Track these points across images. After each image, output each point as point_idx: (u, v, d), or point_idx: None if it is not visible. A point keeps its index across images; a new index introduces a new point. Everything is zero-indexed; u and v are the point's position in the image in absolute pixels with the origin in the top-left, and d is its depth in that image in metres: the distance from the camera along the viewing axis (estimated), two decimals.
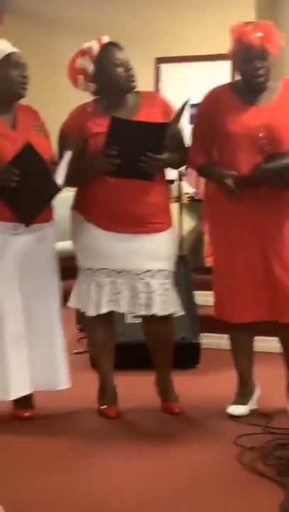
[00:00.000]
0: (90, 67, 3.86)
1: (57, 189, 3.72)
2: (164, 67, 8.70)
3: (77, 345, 5.36)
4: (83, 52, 3.88)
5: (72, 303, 4.06)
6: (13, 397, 3.89)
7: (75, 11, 9.81)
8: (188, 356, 4.80)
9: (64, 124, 3.94)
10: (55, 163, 3.79)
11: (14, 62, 3.81)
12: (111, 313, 3.98)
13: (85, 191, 3.92)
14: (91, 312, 3.94)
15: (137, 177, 3.77)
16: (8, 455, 3.56)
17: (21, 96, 3.85)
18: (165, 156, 3.77)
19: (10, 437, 3.77)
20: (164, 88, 8.54)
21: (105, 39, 3.89)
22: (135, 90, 3.94)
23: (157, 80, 8.59)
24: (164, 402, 4.11)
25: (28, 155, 3.66)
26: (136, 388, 4.35)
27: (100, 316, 3.94)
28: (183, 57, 8.63)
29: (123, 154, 3.69)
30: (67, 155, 3.75)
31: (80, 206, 3.95)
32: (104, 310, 3.91)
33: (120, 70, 3.84)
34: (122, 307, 3.93)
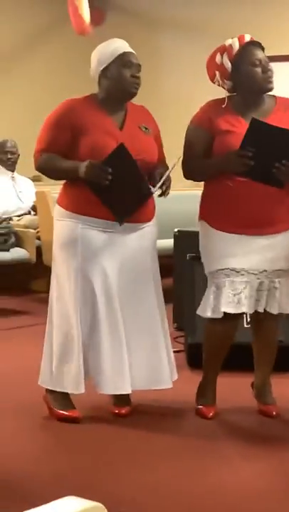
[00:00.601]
0: (228, 65, 3.85)
1: (149, 193, 3.75)
2: (275, 65, 8.63)
3: (173, 343, 5.34)
4: (224, 49, 3.87)
5: (200, 311, 3.99)
6: (106, 392, 3.90)
7: (179, 10, 9.82)
8: (286, 359, 4.73)
9: (195, 116, 3.93)
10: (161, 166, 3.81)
11: (128, 62, 3.85)
12: (235, 316, 3.91)
13: (208, 199, 3.92)
14: (209, 314, 3.89)
15: (267, 182, 3.75)
16: (104, 454, 3.59)
17: (132, 95, 3.89)
18: None
19: (110, 432, 3.81)
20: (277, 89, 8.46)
21: (247, 37, 3.86)
22: (271, 94, 3.92)
23: None
24: (261, 405, 4.08)
25: (121, 155, 3.69)
26: (234, 389, 4.32)
27: (223, 317, 3.88)
28: (286, 56, 8.56)
29: (258, 157, 3.67)
30: (172, 163, 3.78)
31: (204, 214, 3.95)
32: (225, 310, 3.84)
33: (258, 69, 3.82)
34: (243, 307, 3.86)
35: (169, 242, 5.86)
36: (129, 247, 3.88)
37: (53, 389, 3.97)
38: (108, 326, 3.84)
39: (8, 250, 6.49)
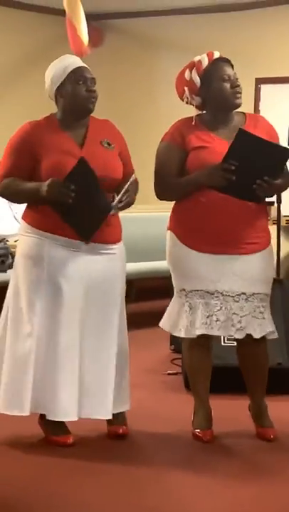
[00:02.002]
0: (197, 80, 3.89)
1: (108, 209, 3.74)
2: (265, 88, 8.69)
3: (170, 366, 5.36)
4: (192, 65, 3.92)
5: (163, 324, 4.06)
6: (59, 419, 3.85)
7: (175, 30, 9.88)
8: (285, 382, 4.74)
9: (167, 133, 3.96)
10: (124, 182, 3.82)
11: (81, 77, 3.85)
12: (209, 336, 3.97)
13: (180, 211, 3.94)
14: (183, 334, 3.93)
15: (245, 198, 3.75)
16: (100, 477, 3.59)
17: (90, 111, 3.89)
18: (279, 181, 3.77)
19: (103, 458, 3.80)
20: (264, 109, 8.54)
21: (216, 54, 3.92)
22: (240, 111, 3.96)
23: (257, 100, 8.59)
24: (258, 428, 4.08)
25: (83, 170, 3.68)
26: (231, 412, 4.32)
27: (196, 338, 3.93)
28: (285, 78, 8.60)
29: (239, 171, 3.66)
30: (131, 178, 3.77)
31: (174, 226, 3.97)
32: (197, 332, 3.90)
33: (227, 84, 3.86)
34: (215, 330, 3.90)
35: (165, 264, 5.85)
36: (96, 268, 3.87)
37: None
38: (67, 350, 3.80)
39: (5, 271, 6.50)
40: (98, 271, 3.87)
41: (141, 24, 10.17)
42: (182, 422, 4.14)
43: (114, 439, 4.00)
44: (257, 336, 3.90)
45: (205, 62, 3.89)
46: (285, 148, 3.77)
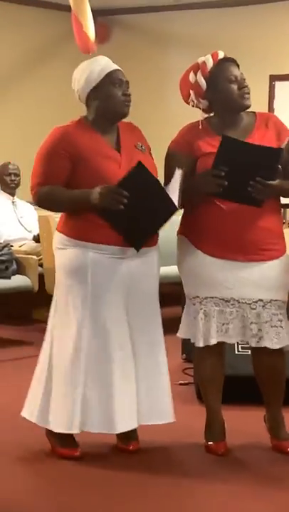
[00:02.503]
0: (202, 82, 3.83)
1: (173, 211, 3.70)
2: (279, 84, 8.63)
3: (182, 375, 5.31)
4: (197, 67, 3.86)
5: (181, 333, 4.02)
6: (119, 431, 3.86)
7: (186, 26, 9.86)
8: None
9: (173, 141, 3.92)
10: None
11: (117, 80, 3.82)
12: (221, 345, 3.93)
13: (193, 215, 3.89)
14: (199, 343, 3.89)
15: (244, 201, 3.73)
16: (110, 490, 3.57)
17: (125, 115, 3.86)
18: (276, 182, 3.71)
19: (112, 471, 3.77)
20: (278, 107, 8.48)
21: (221, 54, 3.86)
22: (250, 111, 3.91)
23: (272, 98, 8.54)
24: (274, 441, 4.03)
25: (141, 175, 3.64)
26: (245, 424, 4.27)
27: (208, 347, 3.89)
28: None
29: (232, 176, 3.65)
30: (179, 173, 3.72)
31: (187, 231, 3.92)
32: (213, 341, 3.85)
33: (234, 86, 3.80)
34: (232, 338, 3.86)
35: (176, 269, 5.81)
36: (134, 273, 3.85)
37: (42, 425, 3.92)
38: (120, 360, 3.80)
39: (9, 278, 6.46)
40: (139, 275, 3.86)
41: (148, 19, 10.16)
42: (194, 434, 4.10)
43: (126, 453, 3.96)
44: (274, 347, 3.84)
45: (210, 64, 3.84)
46: (273, 148, 3.73)
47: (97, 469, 3.76)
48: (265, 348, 3.85)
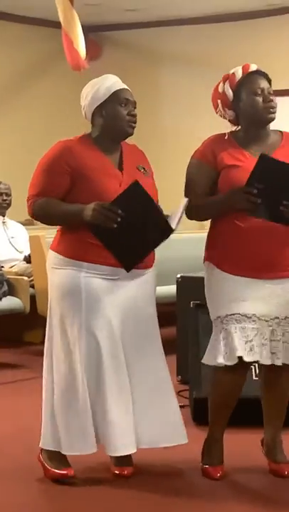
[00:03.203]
0: (229, 92, 3.89)
1: (169, 233, 3.72)
2: (280, 100, 8.67)
3: (177, 398, 5.29)
4: (227, 77, 3.92)
5: (206, 359, 3.96)
6: (119, 454, 3.88)
7: (178, 42, 9.91)
8: None
9: (197, 150, 3.95)
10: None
11: (124, 99, 3.87)
12: (244, 367, 3.89)
13: (214, 239, 3.93)
14: (219, 360, 3.84)
15: (274, 220, 3.75)
16: None
17: (129, 134, 3.91)
18: None
19: (106, 494, 3.77)
20: (273, 122, 8.47)
21: (253, 67, 3.91)
22: (277, 129, 3.96)
23: None
24: (272, 464, 4.03)
25: (136, 194, 3.66)
26: (242, 446, 4.28)
27: (230, 369, 3.85)
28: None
29: (265, 194, 3.68)
30: (185, 201, 3.77)
31: (211, 256, 3.94)
32: (238, 354, 3.79)
33: (259, 98, 3.85)
34: (257, 354, 3.83)
35: (171, 289, 5.84)
36: (130, 295, 3.86)
37: (63, 452, 3.91)
38: (115, 384, 3.81)
39: (0, 299, 6.47)
40: (135, 298, 3.88)
41: (142, 36, 10.22)
42: (190, 457, 4.09)
43: (120, 478, 3.96)
44: (285, 362, 3.86)
45: (239, 75, 3.89)
46: None
47: (91, 492, 3.77)
48: (282, 365, 3.87)
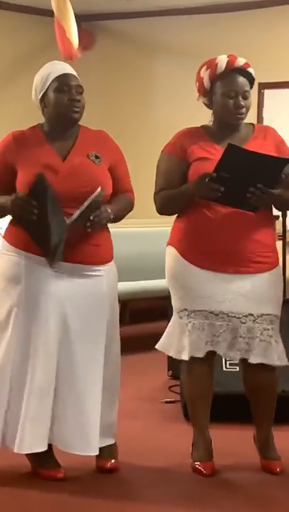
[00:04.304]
0: (207, 82, 3.90)
1: (64, 228, 3.69)
2: (268, 93, 8.71)
3: (168, 393, 5.33)
4: (210, 64, 3.91)
5: (161, 345, 4.02)
6: (24, 452, 3.82)
7: (173, 33, 9.91)
8: None
9: (168, 144, 3.97)
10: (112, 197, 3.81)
11: (63, 85, 3.82)
12: (211, 359, 3.94)
13: (181, 225, 3.93)
14: (185, 356, 3.91)
15: (239, 207, 3.78)
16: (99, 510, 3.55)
17: (74, 120, 3.87)
18: (277, 191, 3.76)
19: (98, 491, 3.77)
20: (267, 115, 8.54)
21: (239, 62, 3.87)
22: (250, 122, 3.98)
23: (260, 106, 8.59)
24: (263, 460, 4.05)
25: (40, 186, 3.67)
26: (233, 443, 4.29)
27: (197, 361, 3.90)
28: (284, 82, 8.62)
29: (231, 182, 3.70)
30: (93, 195, 3.70)
31: (175, 242, 3.96)
32: (200, 354, 3.87)
33: (230, 101, 3.84)
34: (222, 349, 3.87)
35: (162, 283, 5.83)
36: (77, 293, 3.81)
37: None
38: (38, 381, 3.75)
39: None
40: (79, 295, 3.82)
41: (136, 25, 10.20)
42: (181, 454, 4.10)
43: (104, 473, 3.95)
44: (263, 361, 3.86)
45: (221, 68, 3.88)
46: (279, 158, 3.80)
47: (78, 491, 3.76)
48: (260, 364, 3.87)
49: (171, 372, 5.66)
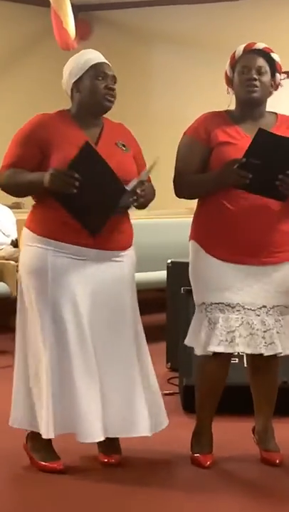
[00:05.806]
0: (229, 71, 3.93)
1: (121, 193, 3.70)
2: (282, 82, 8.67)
3: (167, 385, 5.32)
4: (231, 55, 3.93)
5: (188, 341, 4.01)
6: (88, 441, 3.83)
7: (170, 22, 9.89)
8: None
9: (191, 127, 3.96)
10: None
11: (101, 73, 3.86)
12: (227, 356, 3.93)
13: (202, 218, 3.93)
14: (199, 351, 3.91)
15: (268, 195, 3.76)
16: (92, 503, 3.57)
17: (107, 109, 3.89)
18: None
19: (99, 484, 3.77)
20: (281, 104, 8.49)
21: (257, 45, 3.90)
22: (273, 112, 3.96)
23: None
24: (263, 452, 4.05)
25: (87, 155, 3.66)
26: (233, 435, 4.29)
27: (213, 357, 3.88)
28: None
29: (260, 169, 3.68)
30: (147, 168, 3.76)
31: (197, 236, 3.95)
32: (215, 350, 3.84)
33: (242, 77, 3.84)
34: (238, 346, 3.85)
35: (161, 274, 5.83)
36: (103, 278, 3.85)
37: (28, 429, 3.92)
38: (83, 370, 3.77)
39: None
40: (105, 281, 3.86)
41: (133, 15, 10.19)
42: (180, 446, 4.11)
43: (108, 466, 3.96)
44: (274, 352, 3.87)
45: (238, 54, 3.90)
46: None
47: (80, 482, 3.77)
48: (262, 355, 3.87)
49: (169, 364, 5.67)
